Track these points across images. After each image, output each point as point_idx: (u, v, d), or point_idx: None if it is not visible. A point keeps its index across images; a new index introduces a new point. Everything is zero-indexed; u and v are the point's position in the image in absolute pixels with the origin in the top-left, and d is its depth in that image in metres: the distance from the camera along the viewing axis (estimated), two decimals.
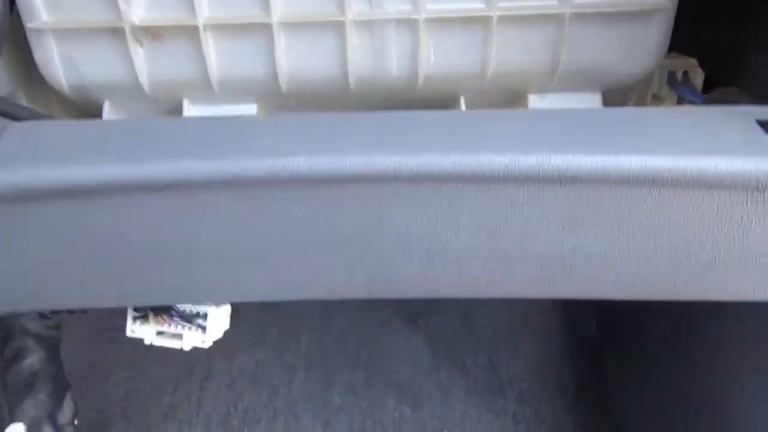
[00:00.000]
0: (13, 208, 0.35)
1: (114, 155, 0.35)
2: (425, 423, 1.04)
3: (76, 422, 0.70)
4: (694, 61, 0.61)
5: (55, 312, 0.71)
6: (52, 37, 0.51)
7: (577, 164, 0.34)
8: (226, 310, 0.65)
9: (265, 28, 0.51)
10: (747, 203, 0.34)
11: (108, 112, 0.56)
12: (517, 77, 0.54)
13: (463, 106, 0.56)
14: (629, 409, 0.97)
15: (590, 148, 0.34)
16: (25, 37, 0.52)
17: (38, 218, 0.35)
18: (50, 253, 0.37)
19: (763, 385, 0.67)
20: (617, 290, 0.41)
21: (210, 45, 0.51)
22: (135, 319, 0.63)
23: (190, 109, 0.56)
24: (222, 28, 0.51)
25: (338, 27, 0.51)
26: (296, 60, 0.52)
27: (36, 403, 0.66)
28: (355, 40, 0.51)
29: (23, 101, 0.57)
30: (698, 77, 0.60)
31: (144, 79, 0.53)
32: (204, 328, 0.62)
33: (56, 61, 0.52)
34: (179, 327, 0.62)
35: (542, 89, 0.56)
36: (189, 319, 0.61)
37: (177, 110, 0.56)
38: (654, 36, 0.53)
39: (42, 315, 0.71)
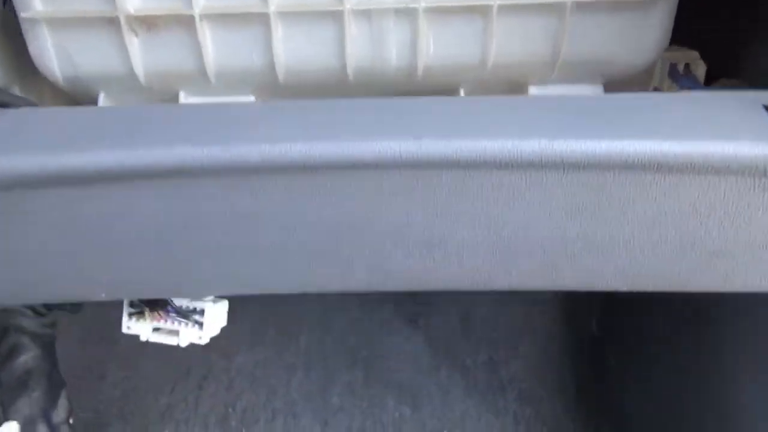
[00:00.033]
0: (1, 196, 0.34)
1: (106, 141, 0.34)
2: (425, 423, 1.04)
3: (71, 421, 0.69)
4: (695, 54, 0.60)
5: (49, 309, 0.70)
6: (46, 27, 0.50)
7: (580, 150, 0.33)
8: (224, 306, 0.65)
9: (262, 18, 0.50)
10: (754, 189, 0.34)
11: (103, 103, 0.55)
12: (517, 68, 0.54)
13: None
14: (630, 408, 0.97)
15: (594, 133, 0.33)
16: (18, 28, 0.51)
17: (28, 206, 0.35)
18: (40, 243, 0.36)
19: (766, 385, 0.66)
20: (621, 281, 0.40)
21: (206, 35, 0.51)
22: (131, 315, 0.62)
23: (186, 101, 0.55)
24: (218, 18, 0.50)
25: (336, 16, 0.50)
26: (294, 50, 0.52)
27: (30, 401, 0.65)
28: (353, 29, 0.51)
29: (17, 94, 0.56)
30: (700, 69, 0.60)
31: (139, 70, 0.52)
32: (201, 324, 0.61)
33: (50, 52, 0.51)
34: (176, 323, 0.61)
35: (543, 80, 0.55)
36: (185, 315, 0.60)
37: (173, 102, 0.55)
38: (655, 26, 0.52)
39: (37, 312, 0.70)
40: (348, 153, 0.33)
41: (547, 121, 0.35)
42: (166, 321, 0.61)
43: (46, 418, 0.65)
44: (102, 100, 0.55)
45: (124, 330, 0.61)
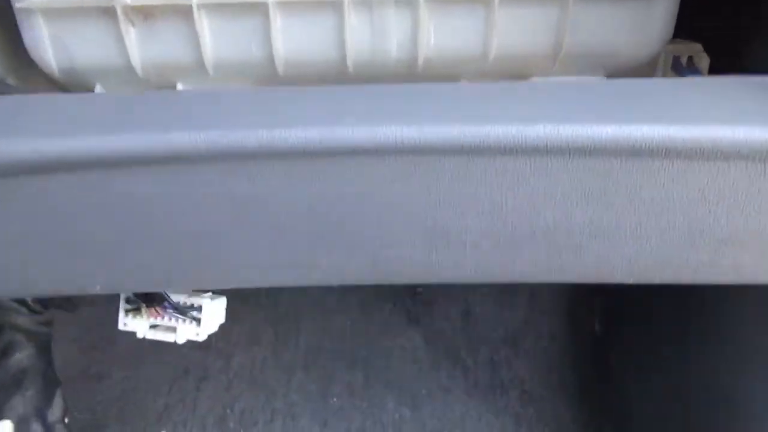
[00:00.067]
0: None
1: (100, 126, 0.33)
2: (425, 423, 1.03)
3: (66, 420, 0.68)
4: (698, 46, 0.60)
5: (45, 306, 0.69)
6: (42, 17, 0.50)
7: (586, 135, 0.32)
8: (222, 302, 0.64)
9: (261, 8, 0.49)
10: (764, 175, 0.33)
11: None
12: (519, 60, 0.53)
13: None
14: (632, 408, 0.96)
15: (601, 117, 0.32)
16: (13, 18, 0.50)
17: (19, 194, 0.34)
18: (32, 233, 0.35)
19: None
20: (628, 273, 0.40)
21: (204, 25, 0.50)
22: (127, 312, 0.61)
23: None
24: (216, 8, 0.49)
25: (336, 7, 0.49)
26: (293, 41, 0.51)
27: (25, 399, 0.64)
28: (353, 20, 0.50)
29: None
30: (703, 62, 0.59)
31: (136, 61, 0.51)
32: (198, 321, 0.60)
33: (46, 43, 0.51)
34: (173, 319, 0.60)
35: (545, 73, 0.54)
36: (183, 311, 0.60)
37: None
38: (659, 17, 0.52)
39: (32, 310, 0.69)
40: (347, 138, 0.33)
41: (553, 106, 0.34)
42: (163, 317, 0.60)
43: (41, 416, 0.64)
44: (98, 92, 0.54)
45: (121, 327, 0.60)
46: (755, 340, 0.68)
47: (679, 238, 0.36)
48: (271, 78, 0.53)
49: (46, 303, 0.70)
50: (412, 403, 1.04)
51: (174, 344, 0.63)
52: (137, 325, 0.60)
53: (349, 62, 0.52)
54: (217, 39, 0.51)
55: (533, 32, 0.51)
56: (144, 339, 0.62)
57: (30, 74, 0.55)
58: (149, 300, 0.59)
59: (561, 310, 1.10)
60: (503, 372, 1.07)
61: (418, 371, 1.07)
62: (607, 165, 0.33)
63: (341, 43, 0.51)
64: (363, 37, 0.51)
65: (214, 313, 0.62)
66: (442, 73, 0.54)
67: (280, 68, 0.52)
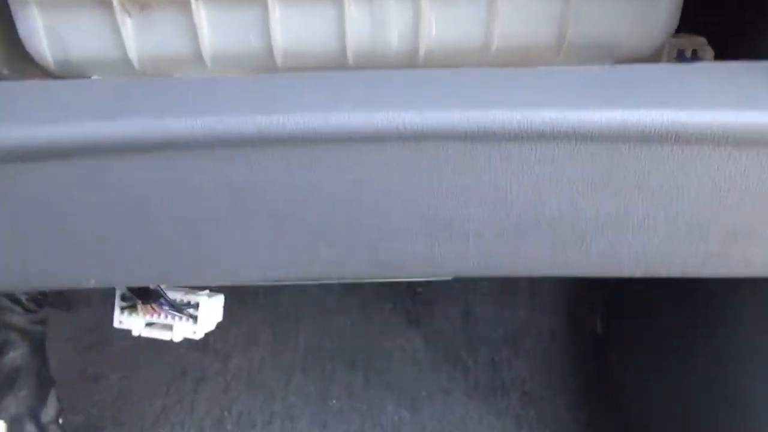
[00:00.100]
0: None
1: (93, 112, 0.32)
2: (425, 425, 1.02)
3: (60, 421, 0.67)
4: (702, 40, 0.59)
5: (39, 305, 0.68)
6: (36, 7, 0.49)
7: (593, 120, 0.31)
8: (219, 300, 0.63)
9: None
10: None
11: None
12: (521, 51, 0.52)
13: None
14: (635, 410, 0.95)
15: (608, 102, 0.32)
16: (7, 9, 0.49)
17: (9, 182, 0.33)
18: (24, 223, 0.34)
19: None
20: (634, 265, 0.39)
21: (202, 16, 0.49)
22: (123, 309, 0.60)
23: None
24: None
25: None
26: (292, 32, 0.50)
27: (17, 399, 0.63)
28: (353, 10, 0.49)
29: None
30: (708, 56, 0.59)
31: (132, 53, 0.51)
32: (195, 319, 0.59)
33: (41, 34, 0.50)
34: (169, 317, 0.59)
35: (548, 64, 0.53)
36: (179, 308, 0.59)
37: None
38: (663, 9, 0.51)
39: (27, 309, 0.68)
40: (347, 124, 0.32)
41: (558, 91, 0.33)
42: (159, 315, 0.59)
43: (34, 417, 0.63)
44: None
45: (116, 324, 0.59)
46: (758, 340, 0.67)
47: (688, 229, 0.35)
48: (270, 70, 0.52)
49: (40, 301, 0.69)
50: (412, 404, 1.04)
51: (171, 345, 0.62)
52: (133, 322, 0.59)
53: (349, 53, 0.51)
54: (215, 30, 0.50)
55: (536, 23, 0.50)
56: (141, 340, 0.61)
57: (25, 67, 0.55)
58: (145, 297, 0.58)
59: (561, 309, 1.09)
60: (504, 372, 1.06)
61: (418, 372, 1.06)
62: (614, 152, 0.32)
63: (341, 34, 0.50)
64: (363, 27, 0.50)
65: (211, 310, 0.61)
66: (444, 65, 0.53)
67: (279, 60, 0.51)
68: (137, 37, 0.50)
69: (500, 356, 1.06)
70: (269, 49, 0.51)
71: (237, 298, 1.04)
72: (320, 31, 0.50)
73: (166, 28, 0.50)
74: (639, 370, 0.96)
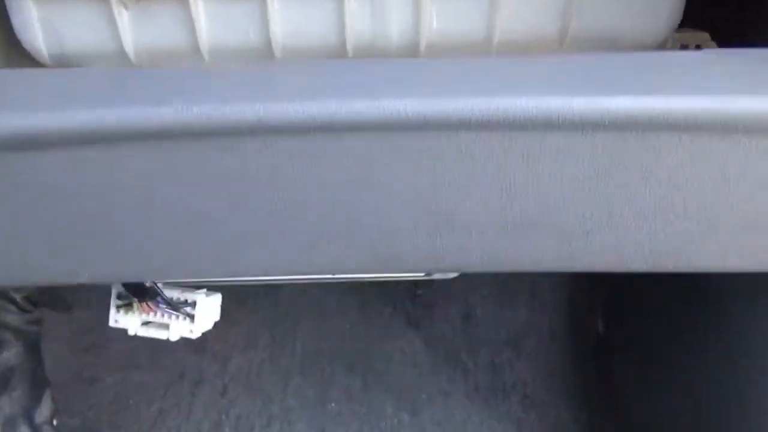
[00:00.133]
0: None
1: (86, 100, 0.31)
2: (425, 428, 1.01)
3: (54, 422, 0.66)
4: (706, 35, 0.59)
5: (35, 305, 0.67)
6: (31, 0, 0.48)
7: (600, 107, 0.31)
8: (216, 299, 0.62)
9: None
10: None
11: None
12: (523, 45, 0.52)
13: None
14: (636, 412, 0.94)
15: (616, 89, 0.31)
16: (2, 2, 0.49)
17: (1, 173, 0.32)
18: (14, 215, 0.34)
19: None
20: (640, 260, 0.38)
21: (199, 8, 0.49)
22: (119, 308, 0.59)
23: None
24: None
25: None
26: (291, 26, 0.50)
27: (11, 399, 0.62)
28: (353, 4, 0.49)
29: None
30: None
31: (129, 46, 0.50)
32: (192, 317, 0.58)
33: (36, 27, 0.49)
34: (166, 316, 0.58)
35: None
36: (176, 307, 0.58)
37: None
38: (667, 2, 0.50)
39: (21, 308, 0.67)
40: (347, 113, 0.31)
41: (565, 78, 0.32)
42: (155, 313, 0.58)
43: (28, 417, 0.62)
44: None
45: (112, 323, 0.58)
46: (762, 337, 0.67)
47: (697, 221, 0.34)
48: None
49: (35, 301, 0.68)
50: (412, 407, 1.03)
51: (168, 348, 0.61)
52: (129, 321, 0.58)
53: (349, 47, 0.50)
54: (213, 22, 0.49)
55: (539, 15, 0.50)
56: (138, 342, 0.60)
57: (20, 60, 0.54)
58: (141, 294, 0.57)
59: (562, 309, 1.08)
60: (505, 375, 1.05)
61: (417, 375, 1.05)
62: (622, 140, 0.32)
63: (341, 27, 0.50)
64: (363, 20, 0.50)
65: (208, 309, 0.60)
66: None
67: (278, 53, 0.51)
68: (134, 30, 0.49)
69: (501, 358, 1.06)
70: (268, 43, 0.50)
71: (235, 298, 1.03)
72: (319, 24, 0.50)
73: (163, 20, 0.49)
74: (642, 371, 0.95)
